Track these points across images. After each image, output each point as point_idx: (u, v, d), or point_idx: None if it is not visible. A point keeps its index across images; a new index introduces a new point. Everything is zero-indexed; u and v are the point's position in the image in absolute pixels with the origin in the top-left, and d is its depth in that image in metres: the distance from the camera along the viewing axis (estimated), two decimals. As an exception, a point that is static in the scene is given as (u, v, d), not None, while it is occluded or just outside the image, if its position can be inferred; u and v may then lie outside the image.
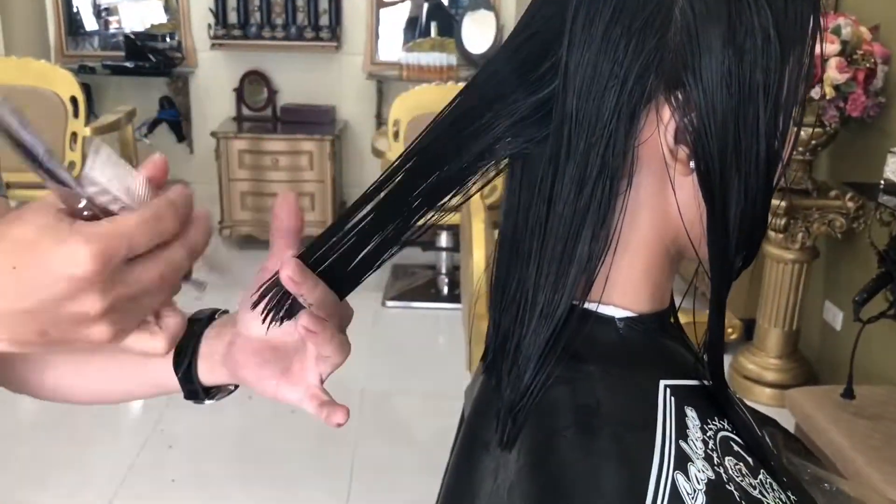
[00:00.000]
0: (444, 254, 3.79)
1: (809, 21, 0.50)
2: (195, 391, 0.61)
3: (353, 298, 0.54)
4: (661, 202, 0.52)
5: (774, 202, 2.58)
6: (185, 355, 0.60)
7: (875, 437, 2.08)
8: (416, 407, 2.86)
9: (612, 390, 0.50)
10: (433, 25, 4.49)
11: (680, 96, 0.47)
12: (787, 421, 2.33)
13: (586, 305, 0.53)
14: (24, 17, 4.19)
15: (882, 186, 2.21)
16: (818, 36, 0.51)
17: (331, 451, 2.58)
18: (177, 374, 0.61)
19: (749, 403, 0.77)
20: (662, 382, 0.51)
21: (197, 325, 0.61)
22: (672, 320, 0.59)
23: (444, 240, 3.75)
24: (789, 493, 0.54)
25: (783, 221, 2.59)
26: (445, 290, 3.75)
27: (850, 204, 2.54)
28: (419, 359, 3.17)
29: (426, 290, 3.75)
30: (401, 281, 3.79)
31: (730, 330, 1.66)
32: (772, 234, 2.66)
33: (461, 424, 0.63)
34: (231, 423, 2.70)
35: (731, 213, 0.50)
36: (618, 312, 0.53)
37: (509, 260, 0.55)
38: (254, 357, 0.56)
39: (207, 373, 0.61)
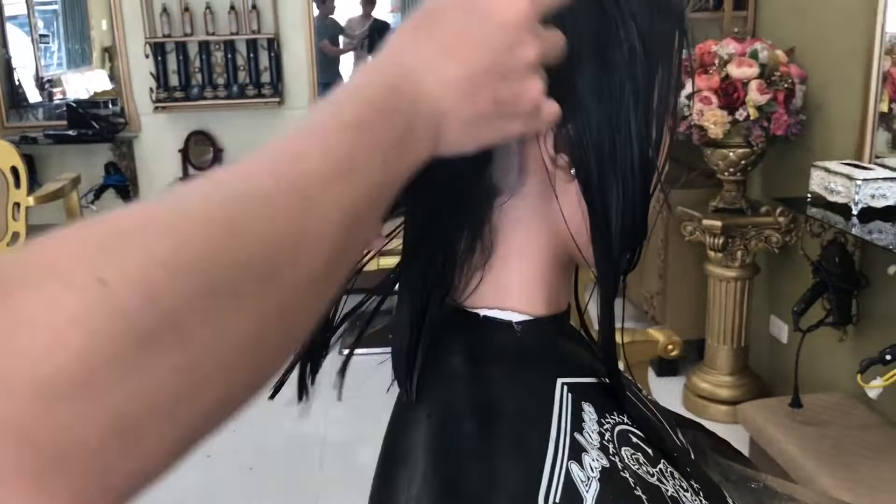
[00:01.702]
0: (399, 298, 3.79)
1: (675, 35, 0.54)
2: None
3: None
4: (549, 209, 0.54)
5: (710, 222, 2.65)
6: None
7: (825, 444, 2.12)
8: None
9: (508, 389, 0.52)
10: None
11: None
12: (741, 436, 2.37)
13: (486, 311, 0.55)
14: (-37, 93, 4.18)
15: (809, 200, 2.29)
16: (683, 48, 0.54)
17: (293, 505, 2.55)
18: None
19: (704, 422, 0.79)
20: (560, 380, 0.53)
21: None
22: (582, 323, 0.62)
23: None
24: (692, 482, 0.57)
25: (721, 240, 2.66)
26: (403, 334, 3.73)
27: (781, 219, 2.62)
28: (380, 405, 3.12)
29: (384, 336, 3.72)
30: (358, 328, 3.78)
31: (670, 347, 1.70)
32: (711, 253, 2.73)
33: None
34: (191, 481, 2.65)
35: (612, 217, 0.52)
36: (515, 316, 0.55)
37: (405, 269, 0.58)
38: None
39: None
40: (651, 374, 2.72)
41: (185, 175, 4.32)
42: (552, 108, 0.46)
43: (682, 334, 2.23)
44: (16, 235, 3.38)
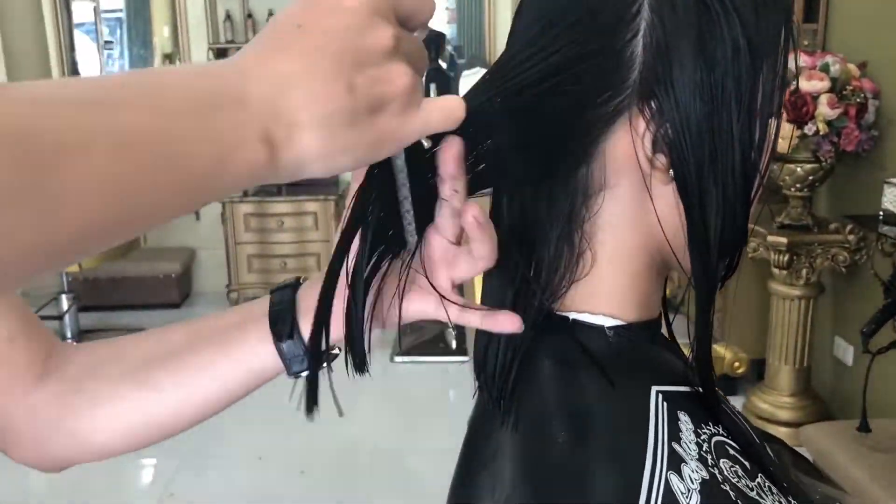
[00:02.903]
0: (450, 307, 3.79)
1: (781, 31, 0.51)
2: (299, 358, 0.53)
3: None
4: (644, 212, 0.52)
5: (775, 239, 2.59)
6: (283, 322, 0.53)
7: (895, 470, 2.05)
8: (429, 462, 2.83)
9: (602, 396, 0.51)
10: (432, 88, 4.60)
11: (654, 106, 0.48)
12: (804, 458, 2.30)
13: (576, 315, 0.54)
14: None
15: (881, 217, 2.22)
16: (791, 45, 0.52)
17: (344, 510, 2.55)
18: (279, 343, 0.53)
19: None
20: (654, 388, 0.51)
21: (284, 292, 0.55)
22: (664, 331, 0.60)
23: (450, 293, 3.75)
24: (790, 499, 0.54)
25: (786, 258, 2.60)
26: (454, 343, 3.73)
27: (850, 237, 2.55)
28: (430, 414, 3.14)
29: (434, 345, 3.74)
30: (409, 336, 3.79)
31: (737, 364, 1.65)
32: (776, 270, 2.67)
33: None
34: (242, 484, 2.68)
35: (710, 222, 0.50)
36: (606, 321, 0.54)
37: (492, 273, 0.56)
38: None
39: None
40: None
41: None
42: (444, 104, 0.44)
43: (742, 352, 2.18)
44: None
